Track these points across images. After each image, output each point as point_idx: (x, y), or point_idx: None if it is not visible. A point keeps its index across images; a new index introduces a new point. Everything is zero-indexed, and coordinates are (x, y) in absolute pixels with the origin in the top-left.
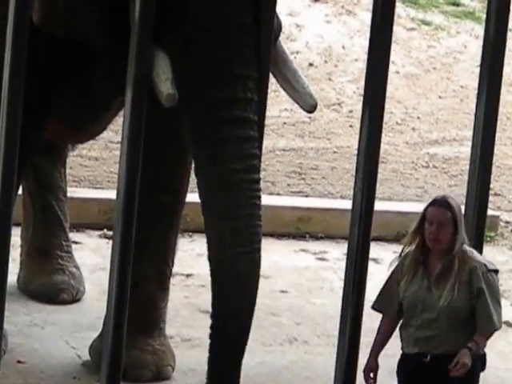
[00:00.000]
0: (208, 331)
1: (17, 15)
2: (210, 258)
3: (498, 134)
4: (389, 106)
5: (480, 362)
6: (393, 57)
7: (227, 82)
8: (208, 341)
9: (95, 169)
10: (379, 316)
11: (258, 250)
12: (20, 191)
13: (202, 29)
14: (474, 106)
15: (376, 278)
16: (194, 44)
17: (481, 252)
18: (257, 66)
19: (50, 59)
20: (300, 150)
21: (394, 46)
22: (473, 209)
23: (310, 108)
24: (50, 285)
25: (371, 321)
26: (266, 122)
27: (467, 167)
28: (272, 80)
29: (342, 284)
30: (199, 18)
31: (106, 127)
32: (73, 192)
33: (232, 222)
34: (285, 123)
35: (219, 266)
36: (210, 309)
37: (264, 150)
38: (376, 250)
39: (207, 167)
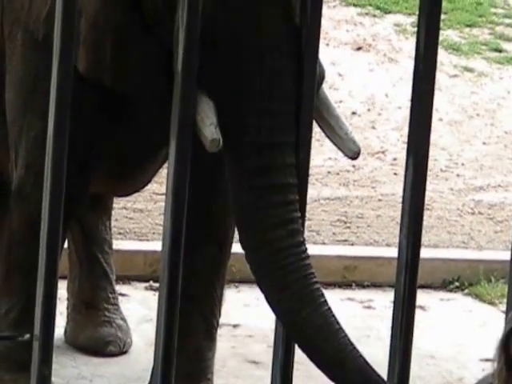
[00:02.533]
0: (255, 381)
1: (61, 71)
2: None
3: None
4: (433, 152)
5: None
6: (436, 104)
7: (266, 149)
8: None
9: (140, 221)
10: (428, 362)
11: (323, 304)
12: (66, 244)
13: (244, 83)
14: None
15: (423, 325)
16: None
17: None
18: (296, 130)
19: (94, 109)
20: (345, 198)
21: (437, 93)
22: None
23: (354, 154)
24: (97, 337)
25: (419, 368)
26: (310, 171)
27: None
28: (315, 129)
29: (389, 332)
30: (242, 69)
31: (151, 179)
32: (118, 244)
33: (288, 289)
34: (329, 172)
35: (291, 330)
36: (257, 359)
37: (309, 200)
38: (423, 297)
39: (248, 236)
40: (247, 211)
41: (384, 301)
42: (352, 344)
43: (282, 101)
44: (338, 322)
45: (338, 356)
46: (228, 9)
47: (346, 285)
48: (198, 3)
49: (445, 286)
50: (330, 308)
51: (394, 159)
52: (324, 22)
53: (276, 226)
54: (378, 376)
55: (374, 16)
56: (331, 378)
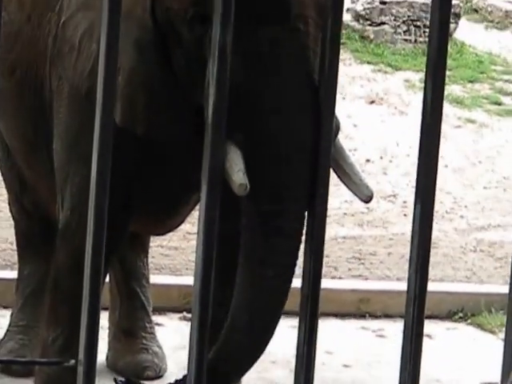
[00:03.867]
0: None
1: (102, 122)
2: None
3: None
4: (438, 196)
5: None
6: (442, 152)
7: (281, 197)
8: None
9: (175, 257)
10: None
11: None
12: (107, 279)
13: (267, 138)
14: None
15: (430, 352)
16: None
17: None
18: (310, 182)
19: (130, 156)
20: (359, 237)
21: (442, 142)
22: None
23: (367, 198)
24: (136, 363)
25: None
26: (328, 212)
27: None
28: (332, 175)
29: (398, 358)
30: (266, 125)
31: (184, 220)
32: (155, 278)
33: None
34: (345, 214)
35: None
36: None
37: (327, 238)
38: (430, 326)
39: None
40: (250, 247)
41: (395, 330)
42: None
43: (300, 152)
44: None
45: None
46: (253, 68)
47: (360, 315)
48: (227, 61)
49: (450, 316)
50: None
51: (404, 202)
52: (340, 79)
53: (269, 265)
54: None
55: (386, 72)
56: None
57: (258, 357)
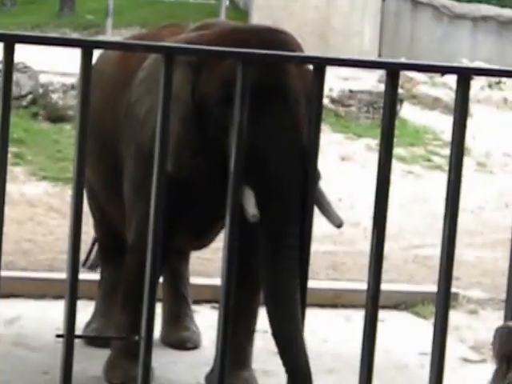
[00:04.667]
0: None
1: (159, 173)
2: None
3: None
4: (388, 224)
5: None
6: (390, 193)
7: (286, 221)
8: None
9: (207, 265)
10: (380, 350)
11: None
12: (161, 280)
13: (271, 182)
14: None
15: (382, 331)
16: (264, 193)
17: None
18: (303, 211)
19: (177, 196)
20: (334, 252)
21: (391, 187)
22: None
23: (339, 225)
24: (180, 338)
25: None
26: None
27: None
28: (315, 208)
29: (361, 335)
30: (270, 173)
31: (214, 239)
32: (193, 280)
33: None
34: (324, 235)
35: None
36: None
37: (311, 252)
38: (382, 314)
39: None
40: (268, 260)
41: (359, 316)
42: None
43: (293, 192)
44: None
45: None
46: (262, 134)
47: (334, 306)
48: (244, 130)
49: (396, 307)
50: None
51: (365, 228)
52: (321, 142)
53: (283, 270)
54: None
55: (352, 139)
56: None
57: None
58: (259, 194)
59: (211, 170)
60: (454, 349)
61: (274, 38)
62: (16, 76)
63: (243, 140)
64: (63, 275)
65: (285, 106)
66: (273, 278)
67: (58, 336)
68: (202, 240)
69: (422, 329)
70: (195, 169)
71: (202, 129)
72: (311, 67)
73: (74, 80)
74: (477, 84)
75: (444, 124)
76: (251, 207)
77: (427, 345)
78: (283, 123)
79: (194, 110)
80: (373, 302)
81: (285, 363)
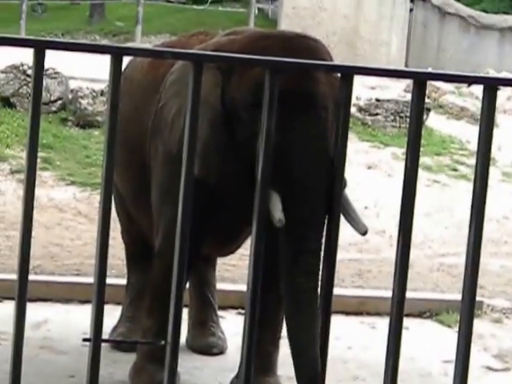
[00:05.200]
0: None
1: (186, 176)
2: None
3: None
4: (414, 232)
5: None
6: (416, 202)
7: (309, 226)
8: None
9: (233, 271)
10: (405, 359)
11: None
12: (188, 285)
13: (297, 188)
14: None
15: (407, 339)
16: (289, 199)
17: None
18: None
19: (204, 200)
20: (359, 260)
21: (417, 195)
22: None
23: (363, 232)
24: (206, 344)
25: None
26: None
27: None
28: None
29: (386, 343)
30: (297, 180)
31: (241, 246)
32: (220, 285)
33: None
34: (350, 243)
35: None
36: None
37: (337, 259)
38: (406, 322)
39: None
40: (286, 264)
41: (383, 324)
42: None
43: (319, 198)
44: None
45: None
46: (289, 140)
47: (359, 313)
48: (271, 136)
49: (420, 315)
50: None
51: (390, 236)
52: (348, 151)
53: (301, 274)
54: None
55: (379, 148)
56: None
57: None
58: (284, 199)
59: (238, 175)
60: (477, 357)
61: (304, 44)
62: (46, 82)
63: (271, 147)
64: (90, 280)
65: (313, 113)
66: (291, 282)
67: (85, 340)
68: (229, 246)
69: (446, 337)
70: (222, 173)
71: (230, 133)
72: (339, 75)
73: (103, 86)
74: (503, 94)
75: (470, 134)
76: (277, 212)
77: (451, 353)
78: (311, 130)
79: (222, 114)
80: (398, 309)
81: (296, 368)
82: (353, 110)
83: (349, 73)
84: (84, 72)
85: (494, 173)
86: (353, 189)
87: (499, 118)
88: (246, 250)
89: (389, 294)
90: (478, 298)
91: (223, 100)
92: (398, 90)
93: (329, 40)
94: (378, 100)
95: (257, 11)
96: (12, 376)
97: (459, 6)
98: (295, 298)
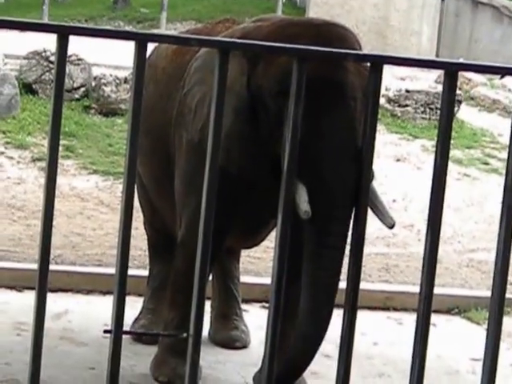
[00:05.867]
0: None
1: (211, 166)
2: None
3: None
4: (442, 227)
5: None
6: (446, 196)
7: (335, 219)
8: None
9: (258, 264)
10: (432, 357)
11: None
12: (210, 277)
13: (324, 180)
14: None
15: (434, 335)
16: (314, 190)
17: None
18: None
19: (227, 191)
20: (386, 254)
21: (446, 189)
22: None
23: (391, 226)
24: (229, 337)
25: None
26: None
27: None
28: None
29: (413, 339)
30: (323, 171)
31: (265, 238)
32: (244, 278)
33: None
34: (377, 237)
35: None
36: None
37: (363, 254)
38: (434, 318)
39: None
40: (308, 257)
41: (410, 319)
42: None
43: (346, 190)
44: None
45: None
46: (317, 130)
47: (386, 309)
48: (298, 126)
49: (449, 311)
50: None
51: (418, 230)
52: (376, 143)
53: (322, 269)
54: None
55: (408, 140)
56: None
57: (323, 332)
58: (311, 191)
59: (263, 165)
60: (506, 355)
61: (333, 32)
62: (69, 68)
63: (297, 137)
64: (112, 270)
65: (341, 102)
66: (311, 274)
67: (106, 331)
68: (253, 238)
69: (474, 334)
70: (246, 163)
71: (255, 122)
72: (369, 65)
73: (127, 73)
74: None
75: (502, 127)
76: (304, 204)
77: (479, 351)
78: (339, 120)
79: (248, 102)
80: (425, 305)
81: (289, 353)
82: (382, 101)
83: (379, 62)
84: (107, 59)
85: None
86: (381, 181)
87: None
88: (270, 242)
89: (416, 289)
90: (507, 295)
91: (249, 88)
92: (429, 81)
93: (358, 29)
94: (407, 91)
95: None
96: (32, 367)
97: None
98: (312, 291)
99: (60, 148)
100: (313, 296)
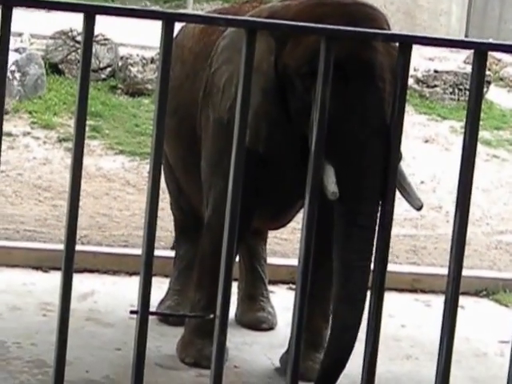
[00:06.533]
0: None
1: (238, 146)
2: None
3: None
4: (471, 209)
5: None
6: (474, 177)
7: (363, 200)
8: None
9: (285, 245)
10: (460, 337)
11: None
12: (237, 259)
13: (352, 161)
14: None
15: (462, 318)
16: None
17: None
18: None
19: (254, 171)
20: (414, 236)
21: (475, 171)
22: None
23: (419, 208)
24: (255, 319)
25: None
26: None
27: None
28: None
29: (441, 321)
30: (351, 152)
31: (292, 219)
32: (270, 260)
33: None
34: (405, 218)
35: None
36: None
37: (391, 235)
38: (462, 300)
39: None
40: (339, 239)
41: (438, 302)
42: None
43: (374, 171)
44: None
45: None
46: (345, 111)
47: (413, 291)
48: (326, 106)
49: (477, 293)
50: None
51: (447, 212)
52: (404, 124)
53: (353, 250)
54: None
55: (437, 121)
56: None
57: (361, 318)
58: (338, 171)
59: (290, 146)
60: None
61: (362, 12)
62: (95, 48)
63: (325, 118)
64: (138, 251)
65: (370, 82)
66: (342, 258)
67: (132, 312)
68: (280, 219)
69: (502, 316)
70: (274, 143)
71: (282, 102)
72: (397, 45)
73: (153, 53)
74: None
75: None
76: (331, 185)
77: (508, 333)
78: (367, 101)
79: (275, 82)
80: (453, 287)
81: (329, 344)
82: (410, 81)
83: (407, 42)
84: (134, 39)
85: None
86: (409, 163)
87: None
88: (297, 223)
89: (444, 271)
90: None
91: (276, 68)
92: (458, 62)
93: (386, 9)
94: (436, 71)
95: None
96: (58, 348)
97: None
98: (345, 276)
99: (86, 128)
100: (346, 282)
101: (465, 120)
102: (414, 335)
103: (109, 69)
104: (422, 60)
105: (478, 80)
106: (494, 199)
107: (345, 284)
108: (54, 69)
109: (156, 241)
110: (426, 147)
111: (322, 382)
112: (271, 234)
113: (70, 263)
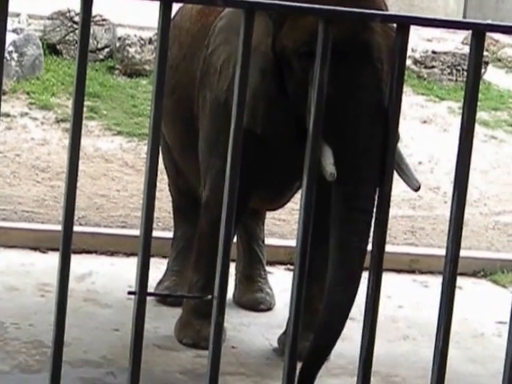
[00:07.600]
0: None
1: (236, 126)
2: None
3: None
4: (469, 189)
5: None
6: (472, 158)
7: (362, 182)
8: None
9: (282, 226)
10: (458, 316)
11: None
12: (235, 239)
13: (349, 142)
14: None
15: (460, 298)
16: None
17: None
18: (381, 173)
19: (251, 151)
20: (412, 217)
21: (473, 151)
22: None
23: (416, 188)
24: (253, 299)
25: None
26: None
27: None
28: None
29: (438, 302)
30: (349, 133)
31: (290, 200)
32: (268, 240)
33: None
34: (402, 199)
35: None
36: None
37: (389, 216)
38: (460, 281)
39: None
40: (337, 221)
41: (436, 282)
42: None
43: (372, 152)
44: None
45: None
46: (343, 92)
47: (411, 271)
48: (324, 87)
49: (474, 274)
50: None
51: (444, 192)
52: (402, 105)
53: (351, 231)
54: None
55: (434, 102)
56: None
57: (353, 300)
58: (336, 153)
59: (288, 126)
60: None
61: None
62: (93, 29)
63: (323, 99)
64: (136, 232)
65: (368, 63)
66: (339, 238)
67: (130, 293)
68: (278, 200)
69: (500, 297)
70: (271, 124)
71: (280, 83)
72: (395, 26)
73: (151, 34)
74: None
75: None
76: (329, 166)
77: (505, 313)
78: (365, 81)
79: (273, 63)
80: (451, 268)
81: (320, 323)
82: (408, 62)
83: (405, 23)
84: (132, 19)
85: None
86: (407, 143)
87: None
88: (295, 204)
89: (442, 252)
90: None
91: (274, 49)
92: (456, 43)
93: None
94: (434, 52)
95: None
96: (56, 328)
97: None
98: (342, 257)
99: (84, 109)
100: (342, 262)
101: (463, 101)
102: (411, 316)
103: (107, 49)
104: (419, 41)
105: (476, 61)
106: (492, 180)
107: (341, 264)
108: (51, 49)
109: (154, 221)
110: (424, 128)
111: (310, 362)
112: (269, 214)
113: (67, 244)
